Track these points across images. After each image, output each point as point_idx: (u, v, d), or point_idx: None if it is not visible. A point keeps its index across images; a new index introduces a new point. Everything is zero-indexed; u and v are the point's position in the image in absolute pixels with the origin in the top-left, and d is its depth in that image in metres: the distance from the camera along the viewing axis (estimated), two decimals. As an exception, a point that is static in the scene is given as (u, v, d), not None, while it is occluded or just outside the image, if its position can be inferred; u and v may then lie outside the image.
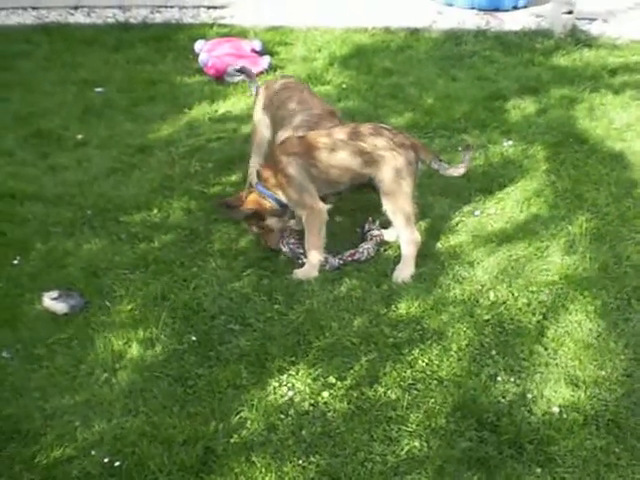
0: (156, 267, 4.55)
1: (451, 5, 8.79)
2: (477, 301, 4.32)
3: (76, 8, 8.75)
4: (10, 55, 7.58)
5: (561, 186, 5.36)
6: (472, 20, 8.39)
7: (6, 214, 5.04)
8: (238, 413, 3.63)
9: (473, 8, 8.67)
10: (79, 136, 6.05)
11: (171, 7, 8.73)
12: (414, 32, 8.03)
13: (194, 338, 4.05)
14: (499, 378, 3.83)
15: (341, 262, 4.59)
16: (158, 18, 8.49)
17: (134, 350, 3.97)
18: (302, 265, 4.55)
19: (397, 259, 4.63)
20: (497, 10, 8.65)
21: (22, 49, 7.73)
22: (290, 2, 8.80)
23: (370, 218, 4.86)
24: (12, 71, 7.27)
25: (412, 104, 6.51)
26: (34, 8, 8.74)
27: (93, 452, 3.45)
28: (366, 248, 4.67)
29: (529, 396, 3.73)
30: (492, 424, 3.58)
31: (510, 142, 5.94)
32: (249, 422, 3.58)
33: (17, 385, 3.81)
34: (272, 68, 7.07)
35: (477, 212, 5.09)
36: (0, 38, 8.02)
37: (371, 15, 8.38)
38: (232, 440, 3.49)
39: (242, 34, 7.85)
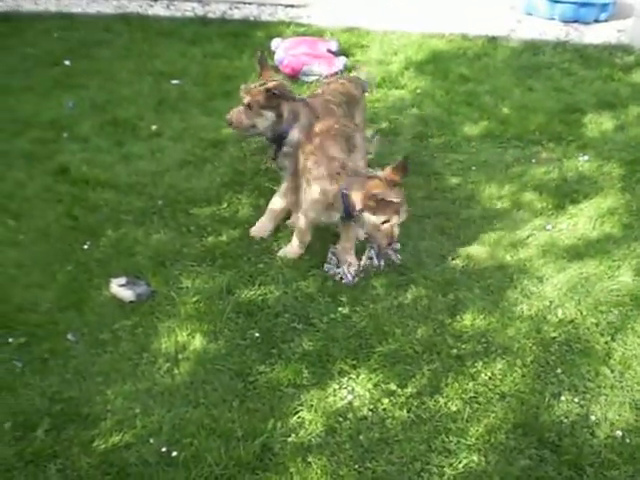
0: (223, 261, 4.57)
1: (531, 14, 8.67)
2: (545, 317, 4.25)
3: (156, 0, 8.86)
4: (90, 43, 7.69)
5: (636, 205, 5.24)
6: (552, 31, 8.26)
7: (79, 199, 5.12)
8: (297, 413, 3.63)
9: (553, 19, 8.53)
10: (153, 127, 6.11)
11: (249, 4, 8.77)
12: (492, 40, 7.92)
13: (257, 334, 4.06)
14: (563, 397, 3.76)
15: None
16: (236, 14, 8.54)
17: (197, 342, 4.00)
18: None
19: (464, 268, 4.59)
20: (578, 22, 8.50)
21: (102, 38, 7.85)
22: (368, 4, 8.77)
23: None
24: (91, 59, 7.37)
25: (487, 113, 6.44)
26: (115, -2, 8.89)
27: (151, 440, 3.48)
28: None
29: (592, 418, 3.66)
30: (553, 444, 3.52)
31: (586, 157, 5.83)
32: (307, 423, 3.58)
33: (80, 369, 3.86)
34: (347, 69, 7.05)
35: (549, 226, 5.00)
36: (80, 26, 8.15)
37: (448, 21, 8.31)
38: (290, 439, 3.49)
39: (319, 34, 7.85)
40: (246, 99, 4.63)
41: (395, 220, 4.17)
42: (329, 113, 4.77)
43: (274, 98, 4.58)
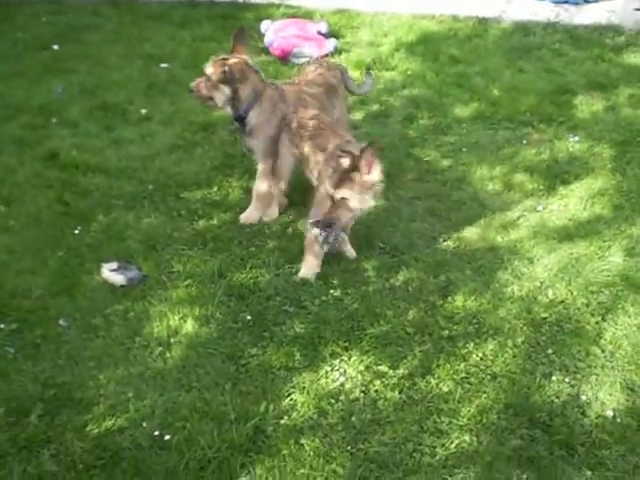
0: (214, 245, 4.57)
1: (522, -5, 8.64)
2: (535, 298, 4.26)
3: (145, -17, 8.81)
4: (79, 27, 7.68)
5: (626, 186, 5.24)
6: (542, 12, 8.23)
7: (69, 184, 5.12)
8: (289, 395, 3.63)
9: (544, 0, 8.50)
10: (143, 111, 6.11)
11: (238, -15, 8.73)
12: (482, 21, 7.90)
13: (249, 317, 4.07)
14: (554, 378, 3.77)
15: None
16: (225, -4, 8.50)
17: (189, 326, 4.01)
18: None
19: (455, 250, 4.60)
20: (568, 3, 8.46)
21: (91, 22, 7.84)
22: (358, -14, 8.74)
23: None
24: (80, 43, 7.37)
25: (478, 94, 6.43)
26: (104, -18, 8.83)
27: (144, 424, 3.48)
28: None
29: (583, 398, 3.67)
30: (544, 424, 3.53)
31: (576, 138, 5.83)
32: (299, 405, 3.58)
33: (73, 354, 3.87)
34: (338, 51, 7.04)
35: (539, 207, 5.01)
36: (69, 10, 8.14)
37: (439, 2, 8.27)
38: (282, 422, 3.50)
39: (308, 16, 7.82)
40: (208, 70, 4.67)
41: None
42: (302, 103, 4.80)
43: (227, 76, 4.61)
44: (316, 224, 4.19)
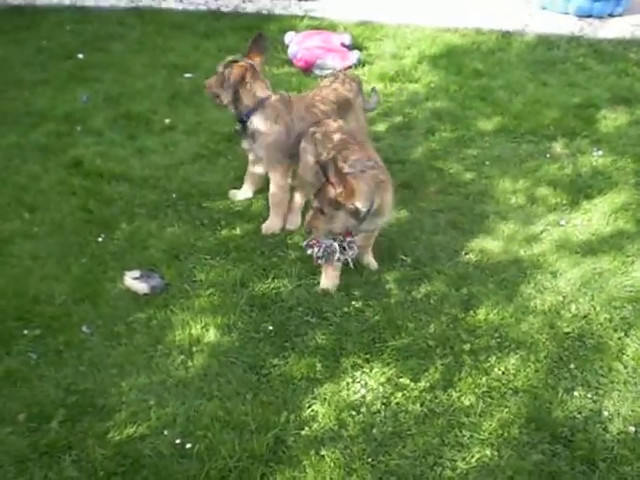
0: (237, 254, 4.58)
1: (545, 9, 8.63)
2: (558, 313, 4.24)
3: (169, -7, 8.88)
4: (104, 36, 7.73)
5: (650, 201, 5.22)
6: (566, 25, 8.23)
7: (93, 192, 5.14)
8: (310, 406, 3.63)
9: (567, 13, 8.49)
10: (167, 120, 6.13)
11: (263, -3, 8.80)
12: (506, 34, 7.90)
13: (271, 327, 4.07)
14: (576, 393, 3.75)
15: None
16: (249, 7, 8.55)
17: (211, 335, 4.01)
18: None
19: (478, 263, 4.59)
20: (592, 17, 8.46)
21: (115, 31, 7.88)
22: (381, -2, 8.77)
23: None
24: (105, 52, 7.41)
25: (501, 107, 6.42)
26: (128, -9, 8.91)
27: (165, 432, 3.49)
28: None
29: (605, 413, 3.65)
30: (566, 439, 3.51)
31: (600, 152, 5.81)
32: (320, 416, 3.58)
33: (95, 360, 3.88)
34: (361, 63, 7.04)
35: (563, 221, 4.99)
36: (94, 19, 8.19)
37: (462, 15, 8.28)
38: (303, 432, 3.50)
39: (332, 28, 7.84)
40: (219, 69, 4.80)
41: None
42: (311, 117, 4.84)
43: (233, 77, 4.72)
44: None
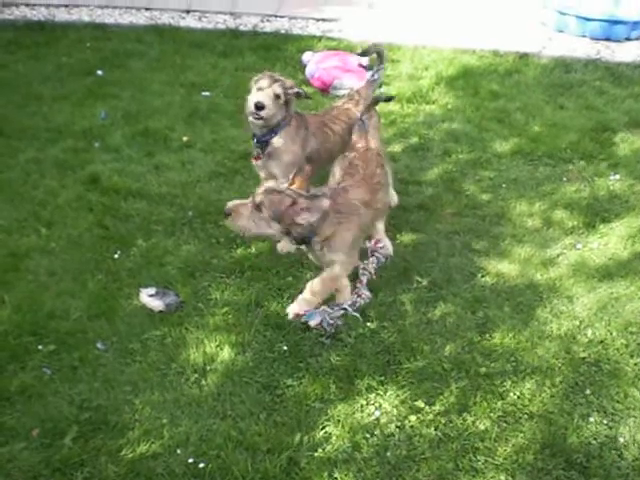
0: (252, 273, 4.58)
1: (562, 32, 8.65)
2: (574, 337, 4.21)
3: (188, 12, 8.96)
4: (123, 54, 7.80)
5: (668, 226, 5.19)
6: (583, 48, 8.24)
7: (110, 209, 5.16)
8: (324, 427, 3.62)
9: (584, 36, 8.51)
10: (184, 138, 6.16)
11: (281, 17, 8.85)
12: (523, 57, 7.91)
13: (285, 347, 4.06)
14: (591, 419, 3.72)
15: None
16: (268, 27, 8.60)
17: (225, 354, 4.01)
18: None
19: (494, 286, 4.56)
20: (609, 40, 8.47)
21: (134, 48, 7.94)
22: (399, 20, 8.81)
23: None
24: (124, 69, 7.47)
25: (518, 130, 6.41)
26: (147, 9, 9.01)
27: (179, 451, 3.48)
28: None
29: (621, 440, 3.61)
30: (581, 465, 3.48)
31: (617, 176, 5.79)
32: (334, 438, 3.57)
33: (109, 377, 3.88)
34: (378, 84, 7.05)
35: (579, 245, 4.97)
36: (113, 36, 8.27)
37: (480, 37, 8.31)
38: (316, 454, 3.48)
39: (349, 48, 7.85)
40: (277, 89, 4.67)
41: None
42: (322, 135, 4.90)
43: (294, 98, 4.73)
44: None
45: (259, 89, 4.66)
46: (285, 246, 4.78)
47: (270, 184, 4.77)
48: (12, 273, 4.59)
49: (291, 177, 4.27)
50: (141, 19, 8.77)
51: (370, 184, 4.34)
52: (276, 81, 4.68)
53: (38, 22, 8.55)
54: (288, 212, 3.92)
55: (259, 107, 4.63)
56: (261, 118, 4.65)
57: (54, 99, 6.84)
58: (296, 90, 4.74)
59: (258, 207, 3.94)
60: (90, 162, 5.78)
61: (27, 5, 8.99)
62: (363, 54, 5.54)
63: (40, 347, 4.03)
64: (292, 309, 4.14)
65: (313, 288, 4.15)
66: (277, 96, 4.66)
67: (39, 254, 4.75)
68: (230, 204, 4.04)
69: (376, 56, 5.37)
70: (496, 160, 5.97)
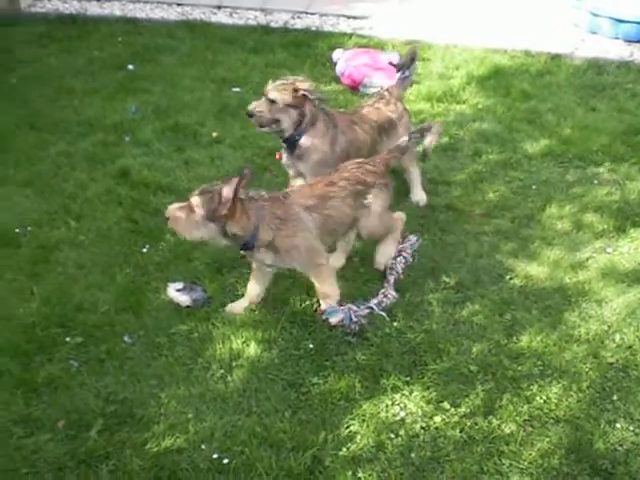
0: (279, 270, 4.57)
1: (595, 33, 8.55)
2: (602, 342, 4.17)
3: (219, 7, 8.97)
4: (154, 48, 7.83)
5: (700, 231, 5.12)
6: (616, 50, 8.13)
7: (139, 203, 5.20)
8: (348, 426, 3.62)
9: (618, 38, 8.41)
10: (214, 134, 6.18)
11: (312, 14, 8.83)
12: (555, 57, 7.82)
13: (311, 345, 4.06)
14: (618, 425, 3.68)
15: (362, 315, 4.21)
16: (298, 24, 8.59)
17: (251, 350, 4.02)
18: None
19: (522, 288, 4.53)
20: (642, 42, 8.36)
21: (166, 43, 7.97)
22: (430, 18, 8.76)
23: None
24: (155, 64, 7.50)
25: (549, 131, 6.35)
26: (179, 4, 9.04)
27: (203, 446, 3.50)
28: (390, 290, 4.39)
29: (647, 447, 3.57)
30: (606, 471, 3.45)
31: (648, 180, 5.72)
32: (359, 437, 3.56)
33: (136, 371, 3.92)
34: (411, 84, 7.00)
35: (609, 249, 4.92)
36: (144, 31, 8.30)
37: (511, 37, 8.23)
38: (340, 453, 3.48)
39: (380, 46, 7.83)
40: (272, 94, 4.72)
41: None
42: (352, 134, 4.90)
43: (302, 98, 4.68)
44: None
45: (262, 95, 4.75)
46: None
47: (298, 182, 4.81)
48: (41, 265, 4.64)
49: None
50: (172, 14, 8.80)
51: (319, 189, 4.25)
52: (280, 85, 4.72)
53: (70, 15, 8.61)
54: (219, 209, 3.88)
55: (249, 115, 4.79)
56: (262, 125, 4.79)
57: (85, 93, 6.90)
58: (303, 93, 4.68)
59: (192, 209, 3.94)
60: (120, 156, 5.82)
61: (60, -2, 9.07)
62: (400, 67, 5.46)
63: (68, 339, 4.08)
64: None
65: (320, 292, 4.22)
66: (272, 101, 4.70)
67: (68, 247, 4.80)
68: (169, 208, 4.07)
69: (409, 59, 5.34)
70: (526, 161, 5.92)
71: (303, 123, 4.75)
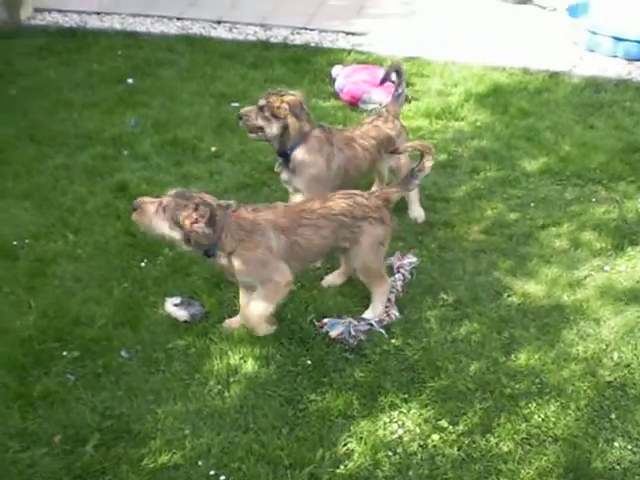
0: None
1: (593, 51, 8.59)
2: (600, 360, 4.17)
3: (219, 22, 8.97)
4: (154, 62, 7.83)
5: (697, 250, 5.13)
6: (614, 68, 8.16)
7: (138, 217, 5.18)
8: (346, 444, 3.61)
9: (616, 56, 8.44)
10: (213, 148, 6.18)
11: (311, 30, 8.83)
12: (553, 75, 7.84)
13: (309, 362, 4.06)
14: (616, 444, 3.69)
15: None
16: (298, 39, 8.60)
17: (249, 366, 4.01)
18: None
19: (520, 306, 4.53)
20: (641, 61, 8.40)
21: (165, 57, 7.97)
22: (429, 35, 8.78)
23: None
24: (154, 78, 7.50)
25: (547, 149, 6.36)
26: (179, 19, 9.02)
27: (200, 463, 3.50)
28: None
29: (646, 466, 3.56)
30: (604, 491, 3.44)
31: (646, 198, 5.73)
32: (356, 455, 3.56)
33: (132, 385, 3.91)
34: (407, 99, 7.02)
35: (607, 267, 4.92)
36: (144, 45, 8.29)
37: (510, 54, 8.25)
38: (338, 470, 3.48)
39: (379, 62, 7.83)
40: (261, 102, 4.75)
41: None
42: (350, 151, 4.89)
43: (285, 111, 4.70)
44: None
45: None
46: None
47: (297, 198, 4.80)
48: (39, 278, 4.64)
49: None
50: (172, 28, 8.80)
51: (294, 213, 4.20)
52: (271, 95, 4.76)
53: (70, 28, 8.61)
54: (186, 219, 3.87)
55: (238, 117, 4.88)
56: (250, 131, 4.85)
57: (84, 106, 6.89)
58: (286, 108, 4.69)
59: (163, 208, 3.92)
60: (119, 170, 5.82)
61: (59, 11, 9.05)
62: (384, 79, 5.50)
63: (64, 353, 4.07)
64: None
65: (247, 309, 4.17)
66: (260, 108, 4.74)
67: (66, 260, 4.79)
68: (139, 199, 4.06)
69: (395, 73, 5.35)
70: (525, 179, 5.93)
71: (291, 136, 4.76)
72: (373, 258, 4.33)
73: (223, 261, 4.04)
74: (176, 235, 3.95)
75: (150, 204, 3.98)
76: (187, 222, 3.86)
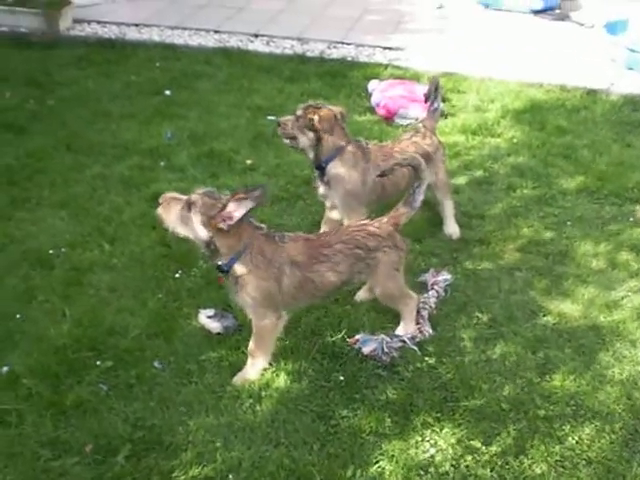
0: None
1: (631, 69, 8.51)
2: (636, 383, 4.11)
3: (256, 36, 9.04)
4: (191, 74, 7.89)
5: None
6: (653, 87, 8.09)
7: (173, 228, 5.20)
8: (377, 462, 3.58)
9: (655, 75, 8.36)
10: (248, 161, 6.20)
11: (348, 44, 8.86)
12: (591, 93, 7.78)
13: (341, 378, 4.04)
14: (650, 468, 3.62)
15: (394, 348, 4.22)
16: (334, 54, 8.63)
17: (281, 380, 4.00)
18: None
19: (555, 326, 4.48)
20: (681, 79, 8.30)
21: (203, 70, 8.03)
22: (466, 50, 8.77)
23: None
24: (191, 90, 7.55)
25: (584, 167, 6.30)
26: (216, 32, 9.11)
27: (230, 476, 3.49)
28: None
29: (680, 491, 3.50)
30: (638, 515, 3.39)
31: (684, 219, 5.65)
32: (387, 473, 3.52)
33: (165, 397, 3.91)
34: (443, 115, 6.99)
35: (645, 289, 4.86)
36: (183, 57, 8.37)
37: (547, 71, 8.21)
38: (368, 489, 3.45)
39: (415, 77, 7.84)
40: (298, 112, 4.81)
41: None
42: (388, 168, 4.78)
43: (315, 123, 4.74)
44: None
45: None
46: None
47: (334, 214, 4.79)
48: (74, 287, 4.66)
49: None
50: (210, 41, 8.87)
51: (313, 248, 4.09)
52: (310, 106, 4.80)
53: (109, 40, 8.70)
54: (217, 220, 3.75)
55: (277, 124, 4.93)
56: (286, 137, 4.90)
57: (122, 117, 6.95)
58: (317, 119, 4.71)
59: (189, 206, 3.81)
60: (155, 180, 5.85)
61: (99, 22, 9.17)
62: (428, 95, 5.45)
63: (98, 363, 4.08)
64: (237, 379, 4.06)
65: (250, 348, 4.09)
66: (297, 118, 4.80)
67: (101, 269, 4.82)
68: (166, 194, 3.97)
69: (432, 88, 5.33)
70: (561, 197, 5.87)
71: (324, 149, 4.78)
72: (391, 285, 4.29)
73: (231, 280, 3.93)
74: (198, 234, 3.83)
75: (177, 201, 3.89)
76: (213, 222, 3.77)
